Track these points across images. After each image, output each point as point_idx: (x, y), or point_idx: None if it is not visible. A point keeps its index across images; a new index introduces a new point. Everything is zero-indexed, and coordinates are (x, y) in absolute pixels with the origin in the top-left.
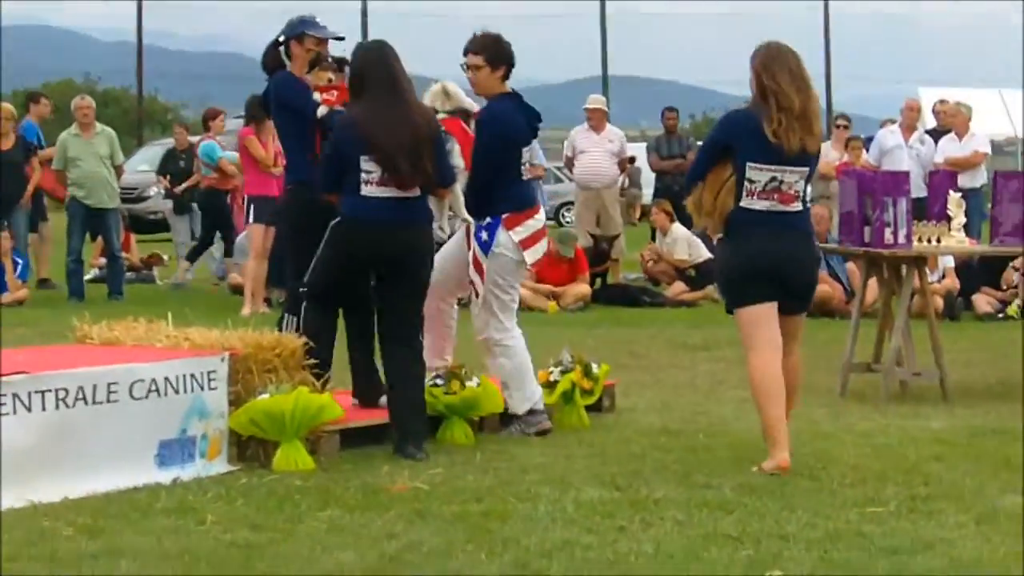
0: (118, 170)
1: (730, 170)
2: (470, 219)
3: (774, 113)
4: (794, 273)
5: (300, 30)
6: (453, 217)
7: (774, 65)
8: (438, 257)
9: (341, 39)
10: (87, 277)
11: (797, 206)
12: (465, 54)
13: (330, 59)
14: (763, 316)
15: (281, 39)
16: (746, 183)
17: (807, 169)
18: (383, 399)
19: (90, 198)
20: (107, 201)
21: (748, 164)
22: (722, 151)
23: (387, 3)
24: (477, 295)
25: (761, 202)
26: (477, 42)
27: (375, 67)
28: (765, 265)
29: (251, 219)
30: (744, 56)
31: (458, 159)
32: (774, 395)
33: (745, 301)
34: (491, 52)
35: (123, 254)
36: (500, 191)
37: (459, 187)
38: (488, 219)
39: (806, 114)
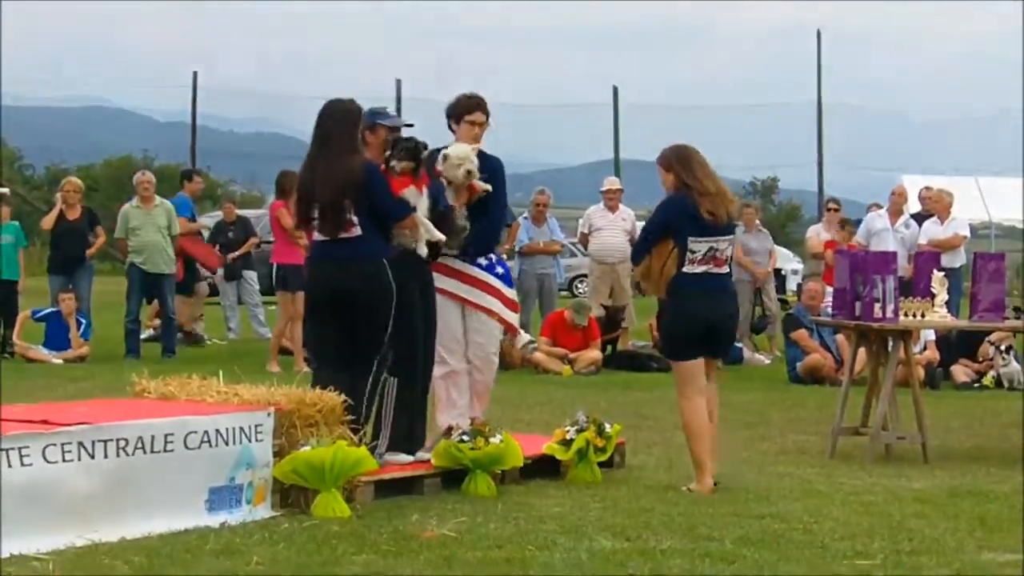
0: (175, 240)
1: (671, 244)
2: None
3: (701, 198)
4: (723, 330)
5: (372, 120)
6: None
7: (688, 163)
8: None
9: (411, 126)
10: (142, 336)
11: (726, 268)
12: (474, 111)
13: (400, 146)
14: (697, 369)
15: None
16: (688, 253)
17: (733, 236)
18: (420, 453)
19: (148, 264)
20: (163, 267)
21: (689, 239)
22: (664, 230)
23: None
24: (517, 332)
25: (700, 267)
26: (484, 104)
27: (315, 126)
28: (701, 329)
29: (280, 286)
30: (747, 144)
31: (451, 199)
32: (704, 434)
33: (683, 357)
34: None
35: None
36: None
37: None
38: (492, 256)
39: (721, 191)
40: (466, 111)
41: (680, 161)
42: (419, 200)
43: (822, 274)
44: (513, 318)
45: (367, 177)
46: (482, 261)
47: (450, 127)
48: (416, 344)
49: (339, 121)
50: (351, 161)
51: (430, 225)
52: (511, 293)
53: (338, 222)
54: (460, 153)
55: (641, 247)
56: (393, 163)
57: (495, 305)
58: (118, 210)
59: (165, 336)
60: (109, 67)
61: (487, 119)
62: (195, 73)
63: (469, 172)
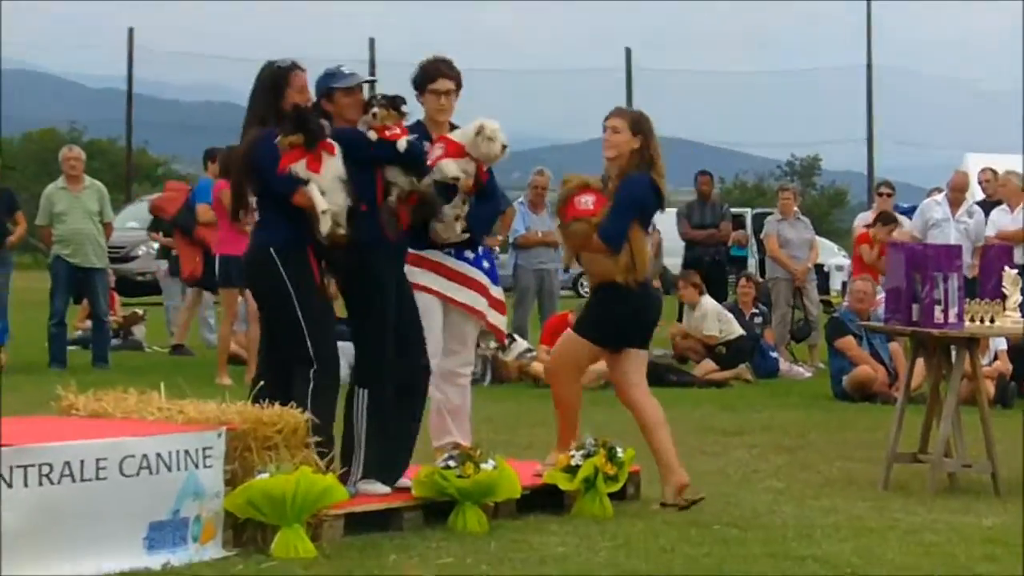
0: (107, 228)
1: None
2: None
3: (659, 178)
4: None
5: (326, 86)
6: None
7: (653, 133)
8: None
9: (372, 82)
10: (69, 339)
11: None
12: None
13: (379, 96)
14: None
15: (313, 100)
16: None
17: None
18: (403, 480)
19: (76, 256)
20: (94, 260)
21: (651, 220)
22: (640, 212)
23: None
24: (504, 339)
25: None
26: (450, 69)
27: None
28: (656, 315)
29: (224, 281)
30: (784, 115)
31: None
32: (666, 424)
33: (637, 344)
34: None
35: (110, 317)
36: None
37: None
38: (479, 248)
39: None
40: (429, 79)
41: (648, 128)
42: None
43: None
44: (500, 321)
45: (252, 152)
46: (468, 254)
47: (418, 99)
48: (381, 346)
49: (255, 89)
50: (248, 136)
51: (320, 199)
52: (498, 292)
53: (235, 207)
54: (495, 126)
55: (621, 231)
56: (374, 111)
57: (480, 304)
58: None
59: (96, 342)
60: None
61: (457, 87)
62: (131, 30)
63: (505, 147)
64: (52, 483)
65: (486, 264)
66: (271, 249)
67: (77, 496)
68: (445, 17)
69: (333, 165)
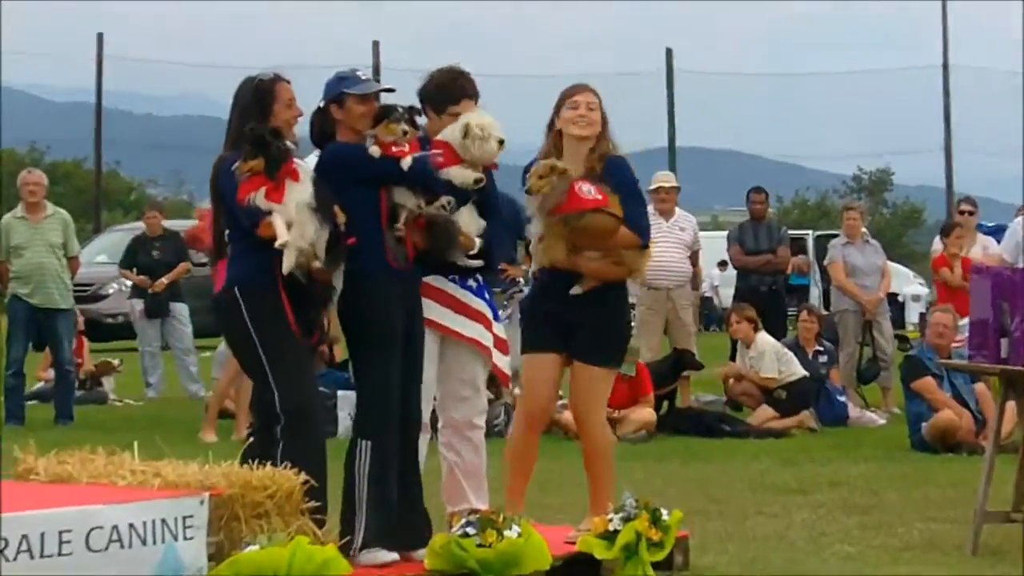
0: (72, 263)
1: None
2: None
3: None
4: None
5: (338, 90)
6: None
7: None
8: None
9: (390, 91)
10: (28, 391)
11: None
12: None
13: (400, 110)
14: None
15: (322, 104)
16: None
17: None
18: (421, 551)
19: (36, 296)
20: (58, 300)
21: None
22: None
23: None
24: (507, 386)
25: None
26: (472, 85)
27: None
28: None
29: None
30: (849, 123)
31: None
32: None
33: None
34: None
35: (76, 364)
36: None
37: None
38: (479, 277)
39: None
40: (451, 99)
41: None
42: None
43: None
44: (504, 363)
45: (216, 179)
46: (471, 283)
47: (426, 114)
48: (384, 391)
49: (234, 107)
50: (217, 161)
51: (283, 231)
52: (500, 330)
53: (215, 241)
54: (484, 121)
55: (647, 221)
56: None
57: (487, 340)
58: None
59: (60, 395)
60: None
61: (476, 103)
62: (100, 36)
63: (502, 142)
64: (7, 560)
65: (487, 295)
66: (235, 288)
67: (37, 575)
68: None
69: (298, 192)
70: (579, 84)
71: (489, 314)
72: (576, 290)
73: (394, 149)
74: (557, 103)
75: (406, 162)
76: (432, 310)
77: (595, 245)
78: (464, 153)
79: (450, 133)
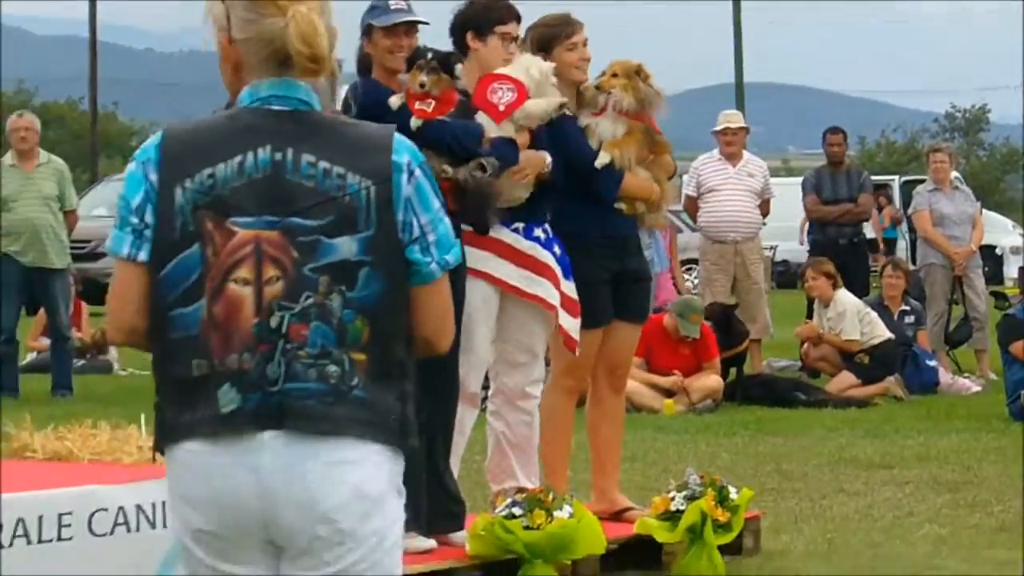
0: (69, 217)
1: None
2: None
3: None
4: None
5: (366, 22)
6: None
7: None
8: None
9: (421, 23)
10: (22, 363)
11: None
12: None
13: (429, 55)
14: None
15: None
16: None
17: None
18: (460, 534)
19: (28, 254)
20: (53, 259)
21: None
22: None
23: None
24: (574, 352)
25: None
26: (516, 10)
27: None
28: None
29: None
30: (939, 56)
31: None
32: None
33: None
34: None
35: (73, 333)
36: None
37: None
38: (548, 228)
39: None
40: (497, 20)
41: None
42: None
43: None
44: (573, 326)
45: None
46: (539, 233)
47: (462, 45)
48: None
49: None
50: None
51: None
52: (570, 288)
53: None
54: (544, 68)
55: None
56: (422, 80)
57: (554, 298)
58: None
59: (57, 364)
60: None
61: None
62: None
63: (562, 106)
64: (2, 546)
65: (557, 250)
66: None
67: (34, 561)
68: None
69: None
70: (568, 17)
71: (558, 269)
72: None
73: (416, 105)
74: (543, 37)
75: (415, 122)
76: (489, 263)
77: (652, 170)
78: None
79: (524, 72)
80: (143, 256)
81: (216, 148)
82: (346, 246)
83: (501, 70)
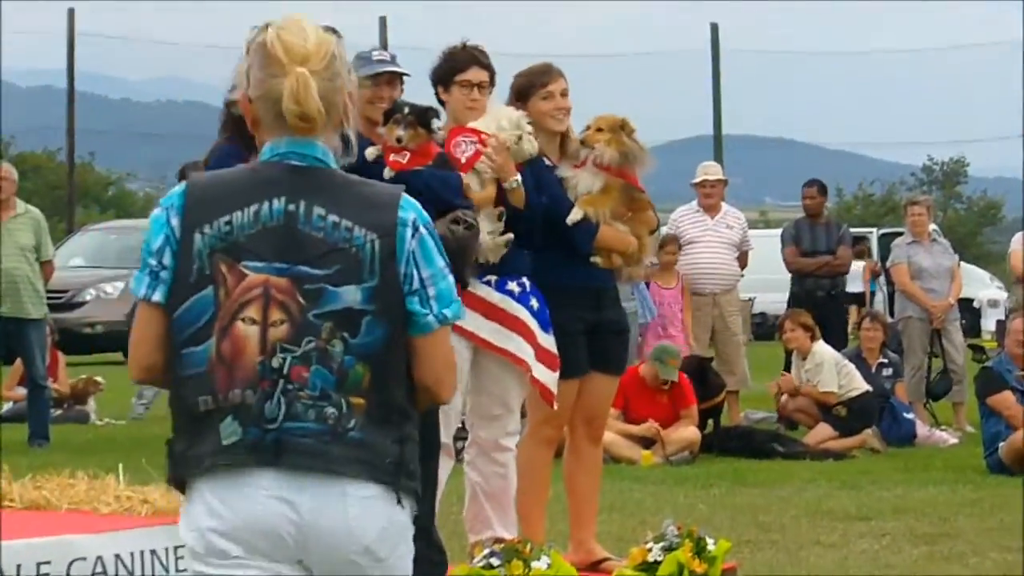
0: (45, 267)
1: None
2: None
3: None
4: None
5: None
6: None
7: None
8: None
9: (405, 75)
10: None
11: None
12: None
13: (406, 109)
14: None
15: None
16: None
17: None
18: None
19: (5, 304)
20: (30, 310)
21: None
22: None
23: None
24: (552, 406)
25: None
26: (483, 57)
27: None
28: None
29: None
30: (917, 108)
31: None
32: None
33: None
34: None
35: (50, 383)
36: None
37: None
38: (525, 281)
39: None
40: (458, 67)
41: None
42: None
43: None
44: (550, 380)
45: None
46: (513, 287)
47: (438, 97)
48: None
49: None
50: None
51: None
52: (548, 341)
53: None
54: (512, 117)
55: None
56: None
57: (526, 353)
58: None
59: (34, 413)
60: None
61: (491, 78)
62: (71, 11)
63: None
64: None
65: (534, 303)
66: None
67: None
68: None
69: None
70: (549, 66)
71: (532, 323)
72: (597, 260)
73: (391, 157)
74: (521, 87)
75: (388, 172)
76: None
77: (631, 225)
78: (516, 154)
79: (494, 123)
80: (158, 297)
81: (235, 197)
82: (350, 295)
83: (473, 123)
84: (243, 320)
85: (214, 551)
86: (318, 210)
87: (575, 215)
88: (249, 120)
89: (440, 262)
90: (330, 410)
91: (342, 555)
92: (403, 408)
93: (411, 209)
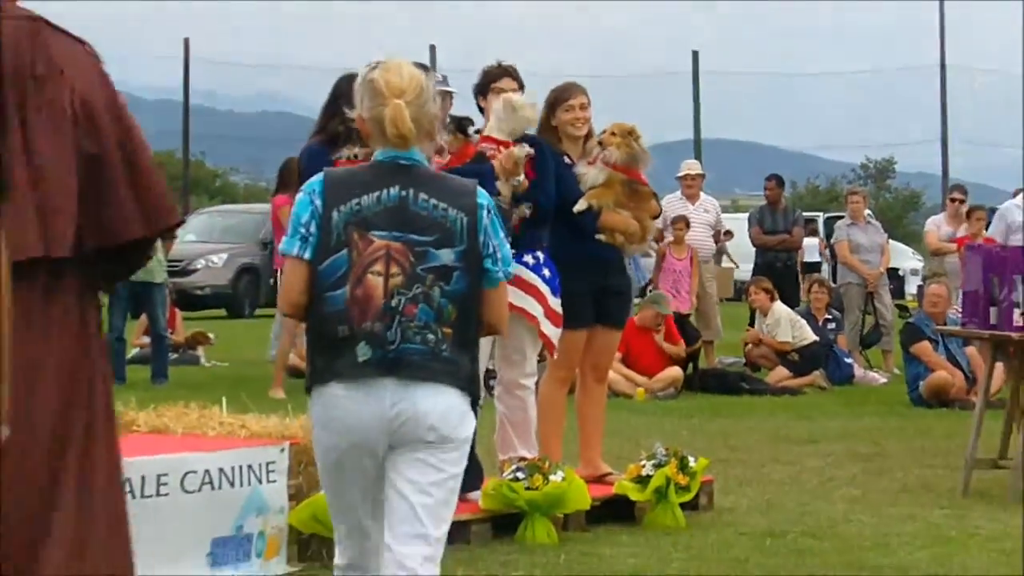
0: (167, 242)
1: None
2: None
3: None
4: None
5: None
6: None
7: None
8: None
9: (453, 92)
10: (128, 357)
11: None
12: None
13: (447, 119)
14: None
15: None
16: None
17: None
18: (475, 493)
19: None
20: (153, 275)
21: None
22: None
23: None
24: (552, 354)
25: None
26: (515, 72)
27: None
28: None
29: None
30: (858, 118)
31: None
32: None
33: None
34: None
35: (169, 333)
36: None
37: None
38: (540, 254)
39: None
40: (491, 80)
41: None
42: None
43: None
44: (554, 334)
45: (303, 164)
46: (528, 259)
47: (479, 107)
48: None
49: (329, 100)
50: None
51: None
52: (556, 304)
53: None
54: (497, 107)
55: None
56: (444, 140)
57: (535, 310)
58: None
59: (156, 357)
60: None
61: (520, 88)
62: (187, 41)
63: (535, 105)
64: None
65: (547, 272)
66: None
67: (139, 513)
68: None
69: None
70: (572, 84)
71: (544, 288)
72: (601, 237)
73: (435, 158)
74: (551, 102)
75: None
76: None
77: (634, 211)
78: (500, 129)
79: (491, 124)
80: (307, 255)
81: (362, 185)
82: (446, 255)
83: (488, 128)
84: (371, 272)
85: (341, 429)
86: (422, 195)
87: (580, 205)
88: (364, 133)
89: (502, 234)
90: (430, 336)
91: (429, 431)
92: (474, 338)
93: (483, 196)
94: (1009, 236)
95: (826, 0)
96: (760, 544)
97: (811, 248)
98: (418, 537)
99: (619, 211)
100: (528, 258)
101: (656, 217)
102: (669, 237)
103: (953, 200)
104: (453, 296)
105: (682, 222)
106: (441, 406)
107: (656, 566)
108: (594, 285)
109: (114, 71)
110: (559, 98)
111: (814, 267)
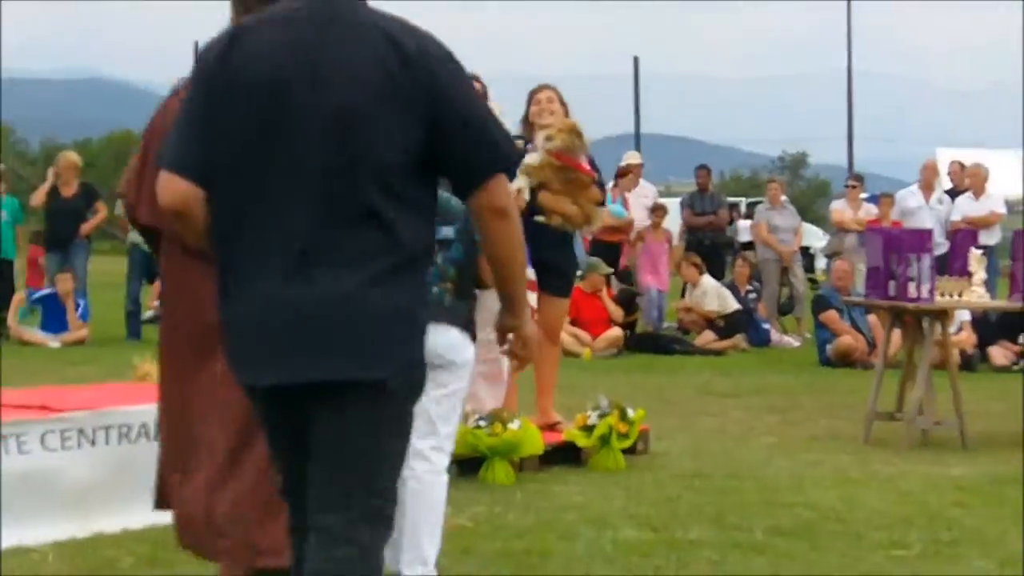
0: None
1: None
2: None
3: None
4: None
5: None
6: None
7: None
8: None
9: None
10: (144, 317)
11: None
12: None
13: None
14: None
15: None
16: None
17: None
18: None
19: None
20: None
21: None
22: None
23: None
24: (533, 314)
25: None
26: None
27: None
28: None
29: None
30: (777, 116)
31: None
32: None
33: None
34: None
35: None
36: None
37: None
38: None
39: None
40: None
41: None
42: None
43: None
44: (531, 298)
45: None
46: None
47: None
48: None
49: None
50: None
51: None
52: (531, 272)
53: None
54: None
55: None
56: None
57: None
58: (119, 185)
59: None
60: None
61: (482, 92)
62: (196, 43)
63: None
64: (130, 442)
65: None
66: None
67: (152, 453)
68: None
69: None
70: (541, 84)
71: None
72: (540, 219)
73: None
74: (527, 100)
75: None
76: None
77: (573, 196)
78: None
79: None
80: None
81: None
82: (446, 231)
83: None
84: None
85: None
86: None
87: (517, 183)
88: None
89: None
90: (435, 289)
91: (436, 358)
92: (473, 292)
93: None
94: (904, 219)
95: (746, 11)
96: (690, 484)
97: (745, 229)
98: (429, 434)
99: (557, 197)
100: None
101: (600, 204)
102: (647, 222)
103: (849, 187)
104: (453, 260)
105: (661, 211)
106: (444, 340)
107: (600, 503)
108: (533, 260)
109: (135, 69)
110: (531, 95)
111: (749, 246)
